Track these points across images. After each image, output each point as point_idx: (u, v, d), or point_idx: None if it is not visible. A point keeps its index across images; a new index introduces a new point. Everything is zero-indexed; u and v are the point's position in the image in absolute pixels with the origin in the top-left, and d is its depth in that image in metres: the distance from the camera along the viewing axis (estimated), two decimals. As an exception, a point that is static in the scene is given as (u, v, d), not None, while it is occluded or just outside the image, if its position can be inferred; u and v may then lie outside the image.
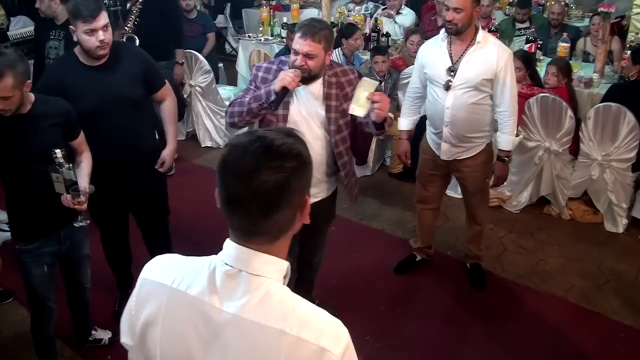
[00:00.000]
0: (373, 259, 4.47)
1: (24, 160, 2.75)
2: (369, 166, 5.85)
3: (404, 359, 3.54)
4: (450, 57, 3.57)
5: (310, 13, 8.29)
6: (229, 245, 1.30)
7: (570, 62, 5.36)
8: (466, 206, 4.13)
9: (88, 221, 2.95)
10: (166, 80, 3.61)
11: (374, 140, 5.69)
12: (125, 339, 1.41)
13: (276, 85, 2.74)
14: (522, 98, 4.79)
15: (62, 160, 2.74)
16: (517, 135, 4.31)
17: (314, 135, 2.99)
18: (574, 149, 4.80)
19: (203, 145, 6.52)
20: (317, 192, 3.13)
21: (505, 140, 3.73)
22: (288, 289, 1.30)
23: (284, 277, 1.32)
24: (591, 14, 6.62)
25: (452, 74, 3.54)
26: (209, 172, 5.66)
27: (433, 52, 3.68)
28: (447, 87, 3.57)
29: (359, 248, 4.64)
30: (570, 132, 4.64)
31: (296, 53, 2.82)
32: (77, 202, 2.80)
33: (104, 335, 3.52)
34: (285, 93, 2.76)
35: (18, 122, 2.71)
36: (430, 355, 3.55)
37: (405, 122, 4.01)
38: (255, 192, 1.20)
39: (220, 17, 9.96)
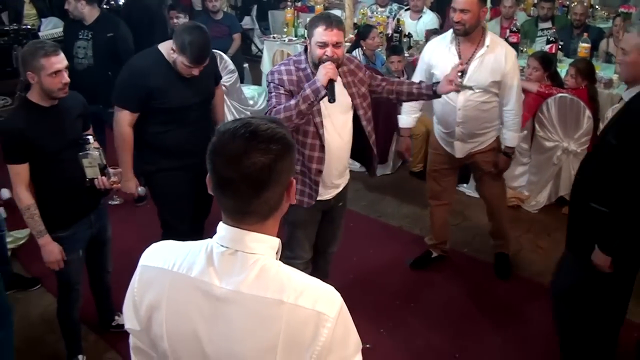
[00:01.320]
0: (390, 255, 4.54)
1: (60, 149, 2.91)
2: (389, 165, 5.93)
3: (417, 353, 3.59)
4: (460, 58, 3.62)
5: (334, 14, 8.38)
6: (222, 227, 1.38)
7: (593, 62, 5.36)
8: (482, 189, 4.23)
9: (121, 199, 3.11)
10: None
11: (394, 139, 5.77)
12: (130, 324, 1.47)
13: (323, 81, 2.81)
14: (540, 98, 4.84)
15: (95, 146, 2.94)
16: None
17: (342, 124, 3.12)
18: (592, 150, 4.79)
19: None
20: (342, 181, 3.28)
21: (511, 137, 3.87)
22: (281, 263, 1.39)
23: (277, 253, 1.41)
24: (615, 15, 6.60)
25: (461, 76, 3.55)
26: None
27: (441, 53, 3.75)
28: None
29: (376, 244, 4.72)
30: (589, 133, 4.66)
31: (324, 45, 2.88)
32: (112, 182, 3.04)
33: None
34: (333, 85, 2.84)
35: (55, 113, 2.91)
36: (444, 350, 3.60)
37: (406, 120, 4.10)
38: (246, 174, 1.28)
39: (247, 19, 10.09)
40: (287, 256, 3.36)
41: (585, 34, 5.69)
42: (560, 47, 5.95)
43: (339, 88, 3.03)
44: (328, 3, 8.89)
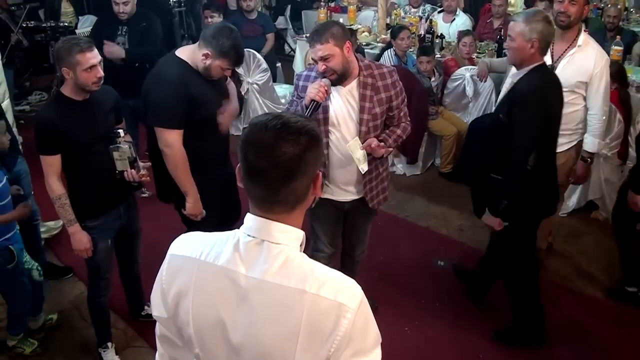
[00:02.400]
0: (417, 255, 4.56)
1: (91, 141, 2.99)
2: (419, 165, 5.94)
3: (440, 352, 3.60)
4: (551, 55, 3.57)
5: (367, 15, 8.41)
6: (250, 217, 1.43)
7: (625, 66, 5.29)
8: None
9: (150, 192, 3.16)
10: None
11: (425, 139, 5.78)
12: (157, 311, 1.51)
13: (306, 100, 2.85)
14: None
15: (124, 139, 3.02)
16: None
17: (353, 135, 3.05)
18: (623, 153, 4.75)
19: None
20: (353, 191, 3.23)
21: (592, 142, 3.75)
22: (305, 255, 1.43)
23: (301, 245, 1.45)
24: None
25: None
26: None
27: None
28: None
29: (403, 244, 4.74)
30: (619, 136, 4.61)
31: (315, 62, 2.94)
32: (142, 175, 3.10)
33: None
34: (316, 106, 2.84)
35: (87, 107, 2.99)
36: (467, 350, 3.61)
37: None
38: (276, 163, 1.33)
39: (280, 19, 10.18)
40: (312, 248, 3.41)
41: (618, 37, 5.61)
42: (593, 49, 5.87)
43: (351, 97, 3.01)
44: (361, 4, 8.91)
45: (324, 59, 2.87)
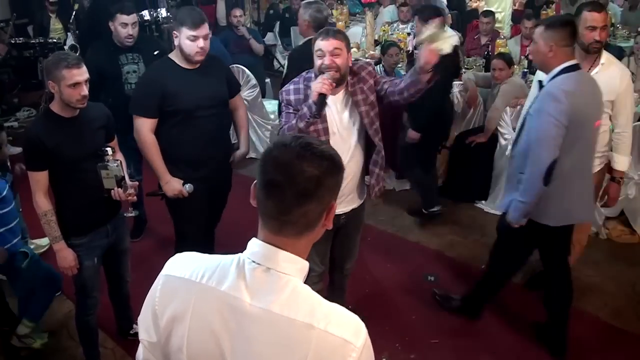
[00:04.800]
0: (407, 270, 4.55)
1: (79, 159, 2.98)
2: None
3: (431, 367, 3.59)
4: None
5: (356, 31, 8.46)
6: (256, 243, 1.39)
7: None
8: None
9: (137, 212, 3.15)
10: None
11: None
12: (146, 335, 1.45)
13: (313, 96, 2.83)
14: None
15: (112, 158, 3.00)
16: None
17: (353, 144, 3.11)
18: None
19: (247, 157, 6.68)
20: (352, 200, 3.25)
21: (622, 161, 3.72)
22: (309, 287, 1.39)
23: (304, 277, 1.41)
24: (636, 33, 6.57)
25: None
26: (253, 182, 5.84)
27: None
28: None
29: (393, 259, 4.72)
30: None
31: (322, 55, 2.94)
32: (128, 195, 3.08)
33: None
34: (323, 99, 2.84)
35: (76, 124, 2.98)
36: (458, 365, 3.60)
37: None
38: (293, 180, 1.31)
39: (269, 35, 10.23)
40: None
41: (606, 53, 5.65)
42: (581, 65, 5.92)
43: (344, 105, 3.06)
44: (350, 20, 8.97)
45: (334, 53, 2.91)
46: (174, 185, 3.52)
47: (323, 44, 2.93)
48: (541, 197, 3.14)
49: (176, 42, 3.43)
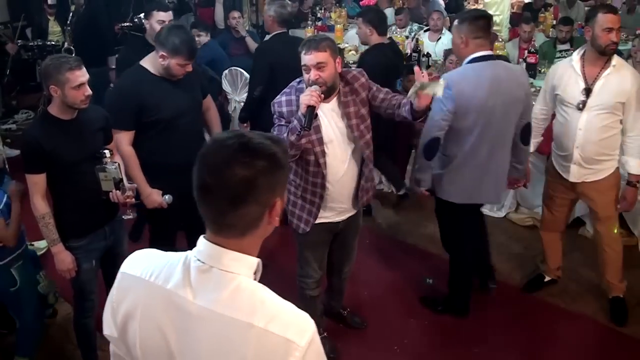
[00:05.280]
0: (405, 273, 4.55)
1: (77, 161, 2.98)
2: (406, 182, 5.92)
3: (429, 370, 3.59)
4: (584, 78, 3.59)
5: (354, 34, 8.45)
6: (201, 241, 1.37)
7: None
8: (595, 232, 4.07)
9: (135, 214, 3.14)
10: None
11: (412, 157, 5.78)
12: (108, 330, 1.46)
13: (302, 109, 2.80)
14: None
15: (110, 160, 3.00)
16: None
17: (348, 152, 3.10)
18: (610, 171, 4.77)
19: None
20: (350, 207, 3.25)
21: (636, 164, 3.68)
22: (259, 284, 1.36)
23: (255, 273, 1.38)
24: (634, 37, 6.61)
25: (586, 95, 3.52)
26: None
27: (565, 74, 3.68)
28: (581, 107, 3.58)
29: (391, 262, 4.73)
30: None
31: (307, 70, 2.90)
32: (126, 197, 3.07)
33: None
34: (312, 112, 2.79)
35: (74, 126, 2.98)
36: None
37: (532, 144, 3.93)
38: (224, 184, 1.27)
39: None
40: (298, 274, 3.41)
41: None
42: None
43: (336, 114, 3.04)
44: (348, 22, 8.97)
45: (318, 67, 2.87)
46: (154, 198, 3.47)
47: (307, 59, 2.89)
48: (442, 175, 3.55)
49: (161, 60, 3.34)
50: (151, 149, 3.44)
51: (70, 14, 8.05)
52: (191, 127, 3.55)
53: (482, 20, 3.38)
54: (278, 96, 3.10)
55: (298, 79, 3.08)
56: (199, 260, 1.36)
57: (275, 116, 3.07)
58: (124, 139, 3.39)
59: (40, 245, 4.59)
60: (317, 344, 1.31)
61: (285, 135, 2.89)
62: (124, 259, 3.42)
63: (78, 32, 7.41)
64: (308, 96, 2.79)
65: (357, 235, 3.54)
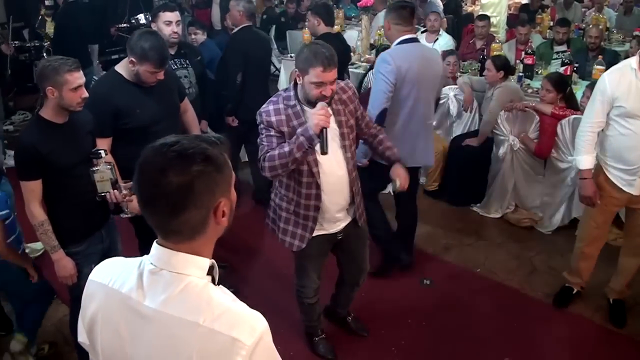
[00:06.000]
0: (403, 274, 4.53)
1: (72, 165, 2.94)
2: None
3: (427, 371, 3.59)
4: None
5: (351, 35, 8.47)
6: (154, 245, 1.38)
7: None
8: (629, 237, 3.97)
9: (133, 212, 3.12)
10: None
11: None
12: (81, 338, 1.49)
13: (315, 129, 2.73)
14: (555, 120, 4.85)
15: (104, 161, 2.98)
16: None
17: (340, 159, 3.04)
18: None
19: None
20: (345, 216, 3.21)
21: None
22: (209, 285, 1.35)
23: (213, 275, 1.38)
24: (631, 38, 6.63)
25: None
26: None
27: (627, 83, 3.39)
28: None
29: (389, 263, 4.71)
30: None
31: (321, 85, 2.79)
32: (124, 196, 3.04)
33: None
34: (325, 133, 2.76)
35: (68, 130, 2.95)
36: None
37: (589, 160, 3.63)
38: (161, 193, 1.27)
39: (265, 39, 10.21)
40: (296, 284, 3.40)
41: (600, 57, 5.69)
42: (575, 69, 5.97)
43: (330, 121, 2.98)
44: (345, 24, 8.98)
45: (332, 82, 2.82)
46: (137, 204, 3.41)
47: (328, 76, 2.77)
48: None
49: (130, 65, 3.30)
50: (129, 156, 3.33)
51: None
52: (169, 132, 3.44)
53: (405, 10, 3.88)
54: (265, 105, 2.98)
55: (284, 88, 3.05)
56: (151, 263, 1.37)
57: (262, 126, 2.95)
58: (101, 146, 3.26)
59: (37, 246, 4.59)
60: (267, 343, 1.31)
61: (286, 149, 2.82)
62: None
63: (55, 35, 7.42)
64: (323, 117, 2.73)
65: (366, 246, 3.48)
